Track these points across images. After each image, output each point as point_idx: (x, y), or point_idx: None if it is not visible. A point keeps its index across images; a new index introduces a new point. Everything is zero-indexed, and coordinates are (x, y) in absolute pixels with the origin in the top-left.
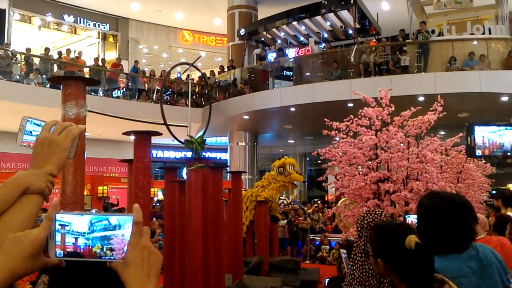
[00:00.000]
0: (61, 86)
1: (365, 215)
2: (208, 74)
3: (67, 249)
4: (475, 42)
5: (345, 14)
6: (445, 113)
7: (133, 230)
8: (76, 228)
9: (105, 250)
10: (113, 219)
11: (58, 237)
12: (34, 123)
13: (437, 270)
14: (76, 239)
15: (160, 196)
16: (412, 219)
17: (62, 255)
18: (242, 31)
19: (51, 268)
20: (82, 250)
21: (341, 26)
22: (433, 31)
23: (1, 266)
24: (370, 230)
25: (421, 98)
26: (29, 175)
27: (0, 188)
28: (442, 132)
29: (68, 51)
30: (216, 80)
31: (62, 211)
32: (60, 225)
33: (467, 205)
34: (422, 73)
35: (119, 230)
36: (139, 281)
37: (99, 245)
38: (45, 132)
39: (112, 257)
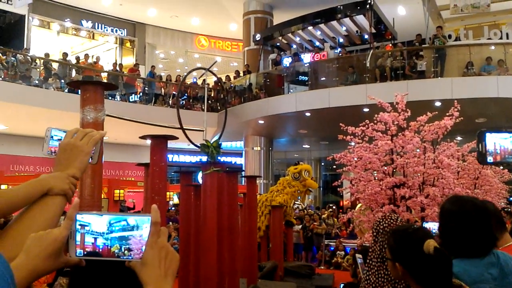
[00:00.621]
0: (79, 90)
1: (381, 221)
2: (223, 79)
3: (86, 249)
4: (493, 47)
5: (360, 19)
6: (461, 118)
7: (151, 230)
8: (95, 228)
9: (123, 250)
10: (131, 219)
11: (78, 237)
12: (57, 130)
13: (456, 275)
14: (95, 239)
15: (175, 200)
16: (429, 225)
17: (82, 255)
18: (258, 36)
19: (71, 267)
20: (101, 250)
21: (356, 31)
22: (449, 36)
23: (23, 265)
24: (388, 234)
25: (438, 103)
26: (52, 177)
27: (24, 186)
28: (459, 138)
29: (86, 56)
30: (232, 85)
31: (82, 211)
32: (80, 225)
33: (490, 210)
34: (439, 78)
35: (137, 230)
36: (156, 280)
37: (117, 245)
38: (67, 138)
39: (130, 257)
